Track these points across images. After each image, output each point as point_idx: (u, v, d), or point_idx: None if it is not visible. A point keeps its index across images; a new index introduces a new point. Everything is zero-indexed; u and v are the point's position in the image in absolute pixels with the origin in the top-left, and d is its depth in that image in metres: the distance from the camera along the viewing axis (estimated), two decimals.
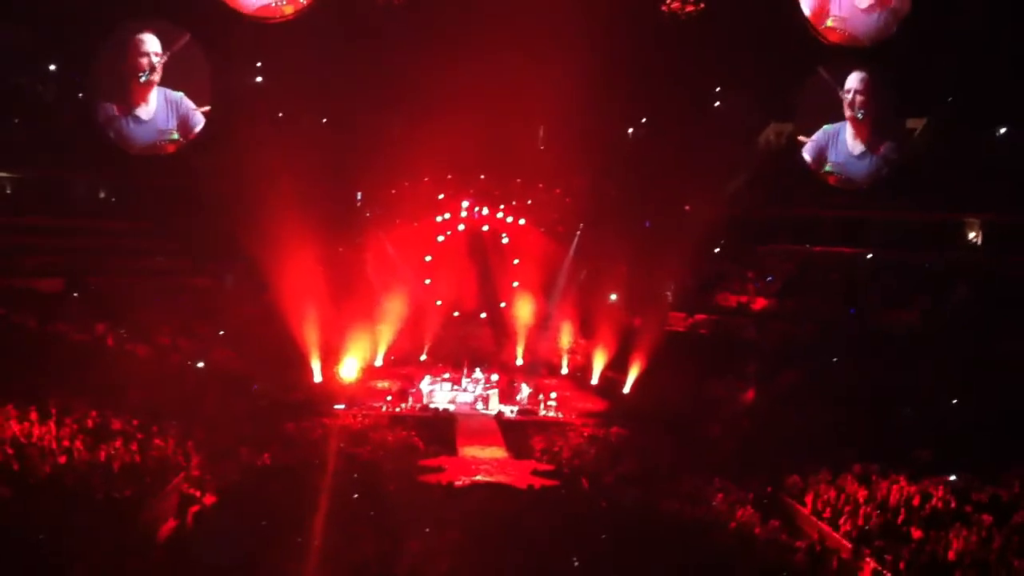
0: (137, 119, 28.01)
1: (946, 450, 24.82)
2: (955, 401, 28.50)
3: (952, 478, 22.98)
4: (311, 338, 35.79)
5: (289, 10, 26.25)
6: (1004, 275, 34.53)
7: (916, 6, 27.04)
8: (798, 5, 26.78)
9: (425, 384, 36.17)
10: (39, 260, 36.40)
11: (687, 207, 42.15)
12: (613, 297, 41.25)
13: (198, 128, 28.21)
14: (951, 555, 19.10)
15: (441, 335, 42.53)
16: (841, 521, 21.88)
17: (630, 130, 44.59)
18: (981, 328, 32.14)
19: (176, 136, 28.24)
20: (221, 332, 36.83)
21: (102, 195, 43.40)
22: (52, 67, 39.33)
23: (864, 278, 38.67)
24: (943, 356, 31.03)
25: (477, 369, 37.74)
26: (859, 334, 34.73)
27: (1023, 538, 19.45)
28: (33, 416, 23.51)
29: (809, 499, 23.56)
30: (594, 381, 39.06)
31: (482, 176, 44.78)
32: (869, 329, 35.13)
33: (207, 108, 28.09)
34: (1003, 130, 38.53)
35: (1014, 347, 30.25)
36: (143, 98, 27.91)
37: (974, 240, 38.36)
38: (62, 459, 21.89)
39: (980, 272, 35.57)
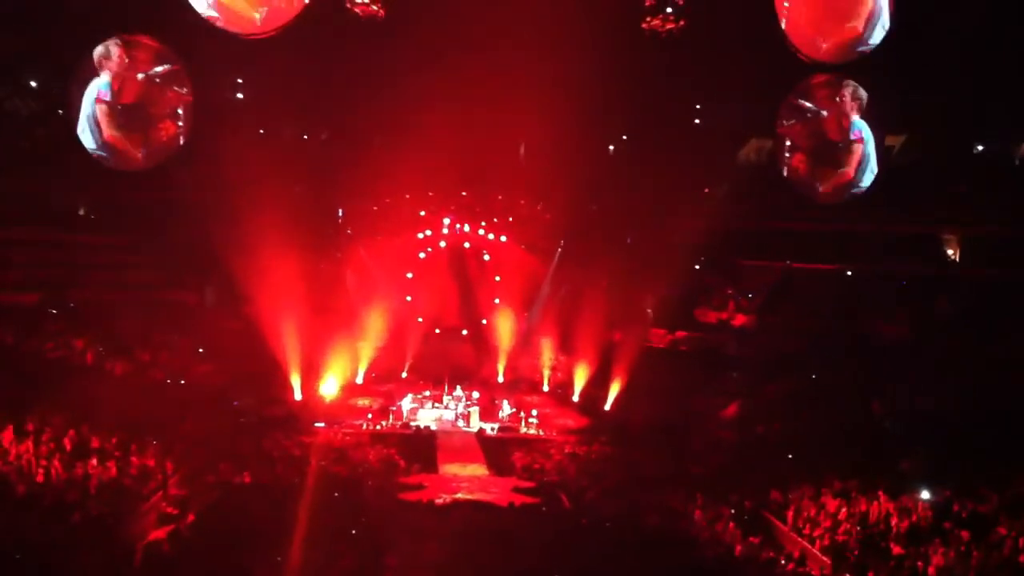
0: (117, 133, 27.80)
1: (928, 463, 24.87)
2: (938, 415, 28.57)
3: (925, 495, 23.02)
4: (292, 354, 35.68)
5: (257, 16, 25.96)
6: (989, 287, 34.66)
7: (897, 21, 27.17)
8: (778, 23, 26.90)
9: (406, 402, 36.10)
10: (17, 274, 36.03)
11: (668, 223, 42.28)
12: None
13: (176, 143, 28.02)
14: (931, 571, 19.15)
15: (422, 352, 42.45)
16: (817, 534, 21.95)
17: (611, 146, 44.67)
18: (966, 340, 32.27)
19: (154, 151, 28.00)
20: (200, 349, 36.66)
21: (81, 210, 43.07)
22: (32, 81, 39.07)
23: (847, 291, 38.76)
24: (926, 368, 31.17)
25: (458, 386, 37.72)
26: (842, 347, 34.80)
27: (1001, 554, 19.52)
28: (9, 434, 23.29)
29: (790, 515, 23.60)
30: (575, 398, 39.07)
31: (463, 193, 44.77)
32: (852, 342, 35.20)
33: (186, 123, 27.91)
34: (980, 148, 38.76)
35: (998, 359, 30.41)
36: (123, 112, 27.71)
37: (958, 252, 38.50)
38: (39, 478, 21.71)
39: (965, 284, 35.70)
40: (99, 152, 27.30)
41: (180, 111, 27.72)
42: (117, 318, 35.31)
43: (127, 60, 26.89)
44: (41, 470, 21.99)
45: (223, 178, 33.36)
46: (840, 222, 37.65)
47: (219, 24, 24.72)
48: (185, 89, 27.35)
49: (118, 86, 26.83)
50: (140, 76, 26.97)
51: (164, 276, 40.04)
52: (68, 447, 23.90)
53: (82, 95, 26.81)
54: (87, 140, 27.10)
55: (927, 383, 30.28)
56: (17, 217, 37.91)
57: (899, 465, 25.18)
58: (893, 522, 21.76)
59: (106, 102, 26.81)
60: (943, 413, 28.32)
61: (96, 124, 26.76)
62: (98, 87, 26.58)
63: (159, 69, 27.10)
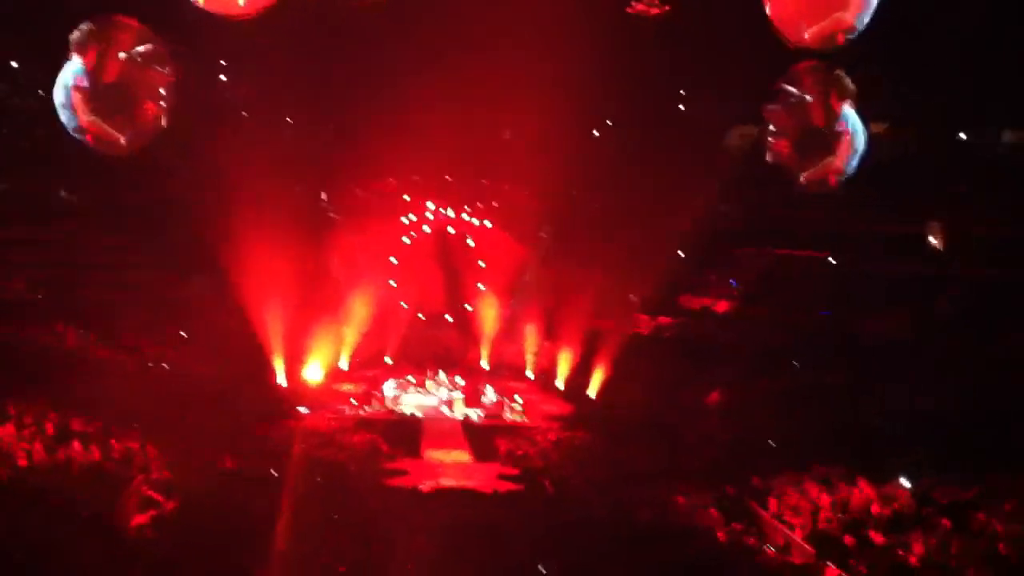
0: (94, 117, 27.37)
1: (909, 454, 24.94)
2: (920, 407, 28.65)
3: (903, 482, 23.08)
4: (275, 340, 35.61)
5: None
6: (988, 286, 34.69)
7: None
8: (764, 8, 26.82)
9: (390, 387, 36.04)
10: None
11: (653, 210, 42.34)
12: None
13: (159, 125, 27.64)
14: (912, 560, 19.25)
15: (406, 338, 42.40)
16: (801, 523, 22.03)
17: (596, 132, 44.62)
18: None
19: (135, 133, 27.61)
20: (183, 334, 36.54)
21: (73, 200, 42.82)
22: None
23: (836, 282, 38.81)
24: (912, 364, 31.23)
25: (442, 372, 37.67)
26: (828, 340, 34.87)
27: (982, 542, 19.63)
28: None
29: (773, 502, 23.68)
30: (560, 384, 39.11)
31: (448, 178, 44.73)
32: (838, 335, 35.26)
33: (168, 104, 27.52)
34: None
35: (984, 355, 30.52)
36: (101, 96, 27.31)
37: (948, 249, 38.50)
38: (22, 462, 21.62)
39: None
40: (78, 136, 26.98)
41: (162, 91, 27.32)
42: (101, 304, 35.21)
43: (103, 42, 26.50)
44: (23, 453, 21.91)
45: (204, 166, 33.21)
46: (829, 213, 37.75)
47: (201, 5, 24.40)
48: (166, 68, 26.98)
49: (94, 69, 26.46)
50: (120, 56, 26.56)
51: (148, 261, 39.83)
52: (50, 432, 23.80)
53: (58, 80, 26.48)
54: (66, 125, 26.79)
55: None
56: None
57: (882, 454, 25.20)
58: (874, 510, 21.85)
59: (81, 88, 26.44)
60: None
61: (72, 110, 26.42)
62: (73, 72, 26.23)
63: (139, 49, 26.71)
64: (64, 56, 26.76)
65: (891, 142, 38.34)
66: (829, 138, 28.29)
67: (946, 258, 37.70)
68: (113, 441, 24.49)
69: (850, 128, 28.16)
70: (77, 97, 26.34)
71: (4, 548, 17.51)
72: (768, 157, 29.28)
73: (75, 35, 26.23)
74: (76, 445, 23.26)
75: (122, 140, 27.04)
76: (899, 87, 32.15)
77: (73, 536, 18.92)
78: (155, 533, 20.88)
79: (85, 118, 26.50)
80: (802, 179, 29.13)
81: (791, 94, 28.51)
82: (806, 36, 25.80)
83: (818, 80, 28.29)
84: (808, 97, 28.28)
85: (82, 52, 26.25)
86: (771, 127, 28.96)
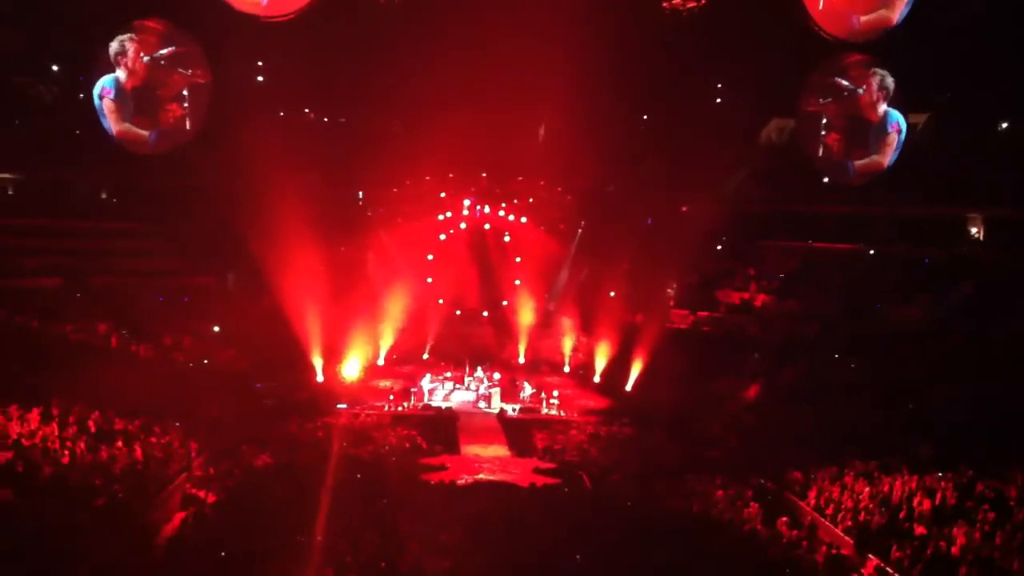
0: (125, 125, 27.59)
1: (949, 446, 24.64)
2: (958, 397, 28.27)
3: (947, 476, 22.82)
4: (313, 337, 35.84)
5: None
6: (1008, 270, 34.23)
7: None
8: (800, 1, 26.62)
9: (427, 383, 36.16)
10: (40, 261, 36.22)
11: (688, 204, 42.23)
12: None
13: (183, 125, 27.81)
14: (954, 551, 19.04)
15: (443, 334, 42.53)
16: (840, 517, 21.88)
17: (632, 127, 44.50)
18: (984, 323, 31.94)
19: (163, 134, 27.78)
20: (216, 328, 36.82)
21: (103, 196, 43.36)
22: (52, 68, 39.18)
23: (866, 274, 38.50)
24: (946, 352, 30.87)
25: (479, 368, 37.75)
26: (862, 330, 34.57)
27: None
28: (35, 417, 23.44)
29: (812, 495, 23.54)
30: (596, 379, 39.05)
31: (484, 175, 44.85)
32: (872, 325, 34.96)
33: (193, 105, 27.67)
34: (1005, 124, 38.24)
35: (1017, 343, 30.06)
36: (129, 103, 27.52)
37: (977, 235, 38.07)
38: (65, 460, 21.83)
39: (983, 267, 35.30)
40: (119, 139, 27.29)
41: (186, 92, 27.51)
42: (140, 303, 35.52)
43: (134, 49, 26.74)
44: (67, 452, 22.11)
45: (244, 163, 33.44)
46: (860, 204, 37.39)
47: (232, 3, 24.55)
48: (190, 71, 27.16)
49: (125, 77, 26.72)
50: (146, 59, 26.77)
51: (186, 261, 40.24)
52: (92, 429, 24.02)
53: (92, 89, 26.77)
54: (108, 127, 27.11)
55: (948, 366, 29.94)
56: (41, 204, 38.18)
57: (920, 445, 24.94)
58: (915, 502, 21.64)
59: (111, 99, 26.70)
60: (964, 395, 28.01)
61: (104, 118, 26.74)
62: (102, 84, 26.53)
63: (164, 51, 26.90)
64: (86, 47, 27.09)
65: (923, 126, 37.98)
66: (876, 137, 28.13)
67: (981, 246, 37.28)
68: (153, 439, 24.68)
69: (898, 125, 28.02)
70: (109, 105, 26.70)
71: (46, 542, 17.70)
72: (814, 150, 29.12)
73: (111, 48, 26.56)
74: (118, 443, 23.45)
75: (150, 141, 27.47)
76: (921, 75, 31.69)
77: (113, 532, 19.12)
78: (196, 529, 21.02)
79: (117, 126, 26.85)
80: (851, 173, 29.01)
81: (837, 87, 28.36)
82: (850, 30, 25.68)
83: (858, 73, 28.14)
84: (849, 90, 28.14)
85: (113, 60, 26.61)
86: (816, 120, 28.81)
